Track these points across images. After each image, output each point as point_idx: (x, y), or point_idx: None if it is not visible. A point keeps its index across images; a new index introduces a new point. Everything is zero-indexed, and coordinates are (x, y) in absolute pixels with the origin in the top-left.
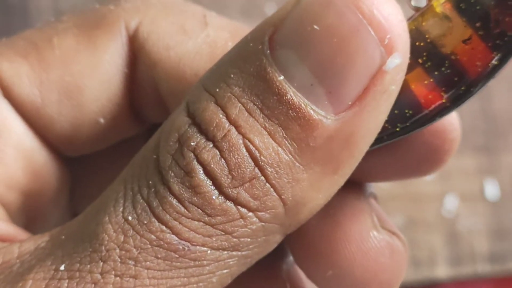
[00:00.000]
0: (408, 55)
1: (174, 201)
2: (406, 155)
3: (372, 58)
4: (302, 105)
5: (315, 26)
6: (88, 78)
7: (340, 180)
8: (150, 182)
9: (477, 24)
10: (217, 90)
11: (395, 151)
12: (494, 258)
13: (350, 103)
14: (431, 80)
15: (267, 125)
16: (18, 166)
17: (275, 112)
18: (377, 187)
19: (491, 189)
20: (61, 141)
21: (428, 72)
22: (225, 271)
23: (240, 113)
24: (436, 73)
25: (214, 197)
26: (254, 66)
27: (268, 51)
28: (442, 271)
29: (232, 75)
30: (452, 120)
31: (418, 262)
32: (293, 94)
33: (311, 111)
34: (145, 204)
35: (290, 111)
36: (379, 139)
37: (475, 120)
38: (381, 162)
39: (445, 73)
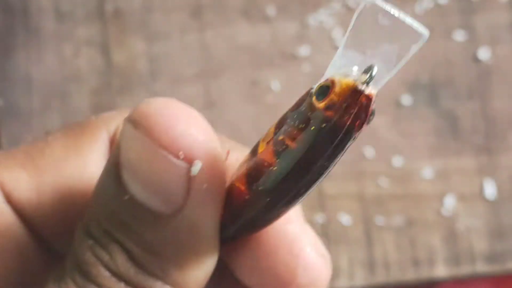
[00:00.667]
0: (211, 156)
1: None
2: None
3: (177, 169)
4: (149, 211)
5: (131, 155)
6: (77, 178)
7: (204, 267)
8: None
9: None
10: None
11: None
12: (493, 257)
13: (181, 202)
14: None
15: (131, 229)
16: (15, 266)
17: (136, 221)
18: (377, 187)
19: (491, 189)
20: (55, 237)
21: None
22: None
23: (114, 225)
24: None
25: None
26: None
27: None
28: (441, 271)
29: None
30: (309, 265)
31: (417, 261)
32: (141, 205)
33: (156, 215)
34: None
35: (143, 217)
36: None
37: (475, 120)
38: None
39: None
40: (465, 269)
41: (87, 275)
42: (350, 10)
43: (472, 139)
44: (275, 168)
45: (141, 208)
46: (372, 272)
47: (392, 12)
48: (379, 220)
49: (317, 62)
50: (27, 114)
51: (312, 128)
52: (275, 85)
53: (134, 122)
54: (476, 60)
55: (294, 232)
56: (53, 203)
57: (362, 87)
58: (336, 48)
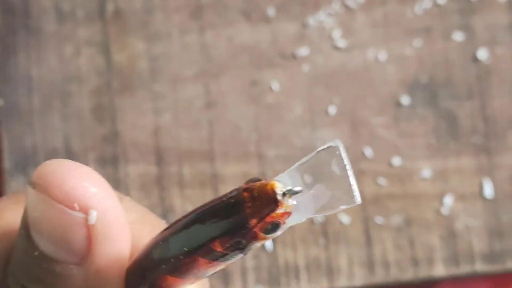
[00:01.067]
0: (106, 204)
1: None
2: None
3: (75, 221)
4: (54, 269)
5: (34, 214)
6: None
7: None
8: None
9: None
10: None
11: None
12: (492, 257)
13: (85, 251)
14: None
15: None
16: None
17: (43, 275)
18: (376, 187)
19: (490, 189)
20: None
21: None
22: None
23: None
24: None
25: None
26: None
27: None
28: (440, 270)
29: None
30: None
31: (416, 261)
32: (49, 258)
33: (61, 270)
34: None
35: (51, 267)
36: None
37: (474, 120)
38: None
39: None
40: (464, 269)
41: None
42: (349, 10)
43: (471, 139)
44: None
45: (51, 261)
46: (371, 272)
47: (345, 165)
48: (379, 219)
49: (317, 62)
50: (27, 114)
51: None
52: (275, 85)
53: (33, 183)
54: (475, 60)
55: None
56: None
57: (278, 195)
58: (336, 48)
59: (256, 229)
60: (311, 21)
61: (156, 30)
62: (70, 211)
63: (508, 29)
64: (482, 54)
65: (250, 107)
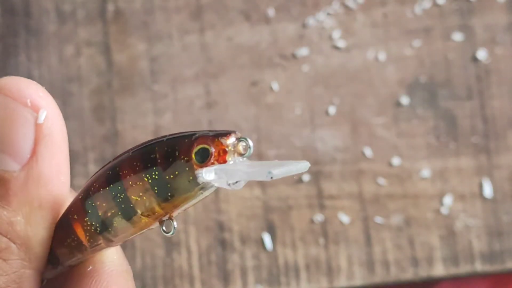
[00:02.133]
0: (54, 108)
1: None
2: None
3: (26, 119)
4: None
5: None
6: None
7: (47, 211)
8: None
9: None
10: None
11: None
12: (491, 257)
13: (29, 155)
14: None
15: None
16: None
17: None
18: (376, 187)
19: (489, 189)
20: None
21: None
22: None
23: None
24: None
25: None
26: None
27: None
28: (440, 270)
29: None
30: None
31: (416, 260)
32: None
33: (3, 173)
34: None
35: None
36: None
37: (473, 120)
38: None
39: None
40: (463, 268)
41: None
42: (349, 11)
43: (470, 139)
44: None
45: None
46: (371, 271)
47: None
48: (378, 219)
49: (317, 62)
50: None
51: None
52: (275, 85)
53: None
54: (474, 60)
55: None
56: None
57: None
58: (335, 48)
59: (193, 147)
60: (311, 21)
61: (156, 30)
62: (21, 107)
63: (507, 30)
64: (482, 54)
65: (250, 107)
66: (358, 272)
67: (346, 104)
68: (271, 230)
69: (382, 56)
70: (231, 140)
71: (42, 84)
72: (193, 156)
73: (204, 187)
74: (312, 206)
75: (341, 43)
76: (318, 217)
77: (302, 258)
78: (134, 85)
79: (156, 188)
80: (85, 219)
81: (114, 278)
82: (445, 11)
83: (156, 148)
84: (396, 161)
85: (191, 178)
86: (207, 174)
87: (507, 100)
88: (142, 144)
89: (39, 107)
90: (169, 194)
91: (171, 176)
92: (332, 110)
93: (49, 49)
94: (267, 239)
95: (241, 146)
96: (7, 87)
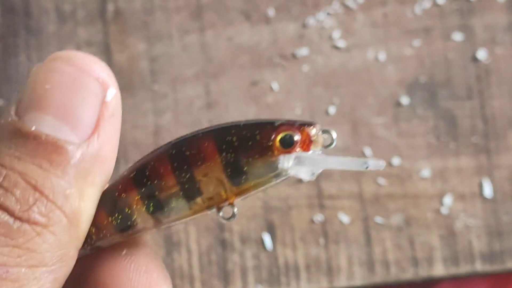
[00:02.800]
0: (117, 89)
1: None
2: None
3: (95, 94)
4: (54, 140)
5: (47, 86)
6: None
7: (98, 189)
8: None
9: None
10: None
11: None
12: (491, 256)
13: (90, 130)
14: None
15: (35, 160)
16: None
17: (39, 151)
18: (376, 187)
19: (489, 189)
20: None
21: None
22: None
23: (11, 161)
24: None
25: (11, 223)
26: (9, 131)
27: (17, 118)
28: (440, 270)
29: None
30: None
31: (416, 260)
32: (45, 136)
33: (61, 143)
34: None
35: (48, 147)
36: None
37: (473, 120)
38: None
39: None
40: (463, 268)
41: None
42: (349, 10)
43: (470, 139)
44: None
45: (46, 141)
46: (371, 271)
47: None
48: (378, 219)
49: (317, 62)
50: None
51: None
52: (275, 85)
53: (50, 59)
54: (474, 60)
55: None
56: None
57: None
58: (335, 48)
59: (277, 134)
60: (311, 21)
61: (156, 30)
62: (92, 82)
63: (507, 30)
64: (482, 54)
65: (250, 107)
66: (358, 272)
67: (346, 104)
68: (271, 230)
69: (382, 56)
70: (316, 130)
71: None
72: (277, 142)
73: (279, 174)
74: (312, 206)
75: (341, 43)
76: (318, 217)
77: (302, 258)
78: (134, 85)
79: (229, 170)
80: (136, 198)
81: (151, 262)
82: (445, 11)
83: (233, 131)
84: (396, 161)
85: (270, 163)
86: (288, 161)
87: (507, 100)
88: (199, 130)
89: (108, 85)
90: (243, 177)
91: (249, 160)
92: (332, 110)
93: (49, 49)
94: (267, 239)
95: (323, 138)
96: (77, 59)
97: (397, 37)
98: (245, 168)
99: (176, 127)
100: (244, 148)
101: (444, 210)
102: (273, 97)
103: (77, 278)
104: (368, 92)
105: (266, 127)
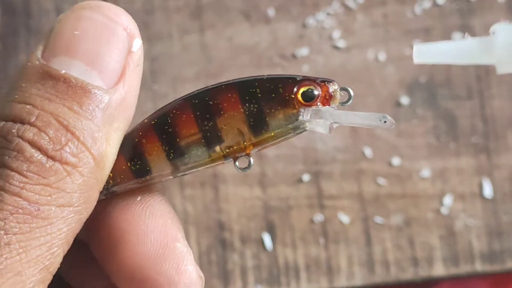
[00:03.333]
0: (141, 39)
1: (16, 175)
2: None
3: (123, 43)
4: (84, 84)
5: (76, 32)
6: None
7: (121, 135)
8: None
9: None
10: (16, 96)
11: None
12: (491, 257)
13: (117, 78)
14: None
15: (65, 102)
16: None
17: (68, 94)
18: (376, 187)
19: (489, 189)
20: None
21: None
22: (68, 227)
23: (42, 102)
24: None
25: (44, 162)
26: (37, 74)
27: (44, 62)
28: (440, 270)
29: (23, 85)
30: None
31: (416, 260)
32: (75, 79)
33: (90, 87)
34: None
35: (77, 90)
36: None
37: (473, 121)
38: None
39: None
40: (463, 268)
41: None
42: (349, 11)
43: (470, 139)
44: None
45: (75, 84)
46: (371, 271)
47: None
48: (378, 219)
49: (317, 62)
50: None
51: None
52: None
53: (79, 7)
54: None
55: (182, 250)
56: None
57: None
58: (335, 48)
59: (299, 88)
60: (311, 21)
61: (156, 30)
62: (121, 30)
63: None
64: None
65: None
66: (358, 272)
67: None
68: (271, 230)
69: (382, 56)
70: (336, 86)
71: None
72: (299, 95)
73: (297, 126)
74: (312, 206)
75: (341, 43)
76: (318, 217)
77: (302, 258)
78: None
79: (252, 120)
80: (157, 144)
81: (165, 208)
82: (445, 11)
83: (256, 84)
84: (396, 161)
85: (291, 115)
86: (307, 114)
87: (507, 100)
88: (222, 83)
89: (135, 36)
90: (264, 128)
91: (272, 110)
92: None
93: None
94: (267, 239)
95: (340, 95)
96: (106, 8)
97: (397, 37)
98: (267, 119)
99: None
100: (267, 99)
101: (444, 210)
102: None
103: (91, 222)
104: (368, 92)
105: (288, 81)
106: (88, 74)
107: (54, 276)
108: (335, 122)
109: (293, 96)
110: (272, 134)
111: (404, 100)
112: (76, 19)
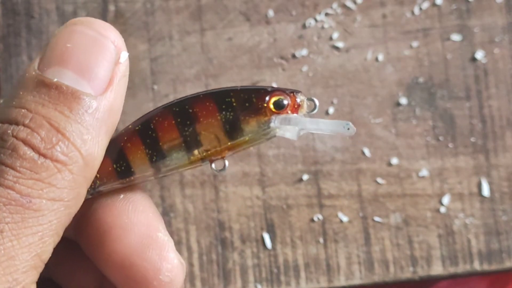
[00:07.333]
0: (127, 52)
1: (10, 171)
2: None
3: (111, 55)
4: (74, 91)
5: (68, 45)
6: None
7: (108, 138)
8: None
9: None
10: (14, 102)
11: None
12: (490, 255)
13: (105, 86)
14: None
15: (57, 107)
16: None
17: (60, 99)
18: (375, 186)
19: (487, 189)
20: None
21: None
22: (58, 219)
23: (36, 106)
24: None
25: (36, 159)
26: (33, 83)
27: (39, 72)
28: (438, 269)
29: (21, 93)
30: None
31: (414, 260)
32: (66, 87)
33: (80, 94)
34: None
35: (68, 96)
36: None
37: (472, 120)
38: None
39: None
40: (462, 267)
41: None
42: (348, 11)
43: (469, 139)
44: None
45: (66, 91)
46: (370, 270)
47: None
48: (377, 218)
49: (316, 63)
50: None
51: None
52: (275, 85)
53: (72, 23)
54: (473, 60)
55: (163, 239)
56: None
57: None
58: (335, 48)
59: (271, 97)
60: (311, 22)
61: (156, 31)
62: (109, 43)
63: (505, 30)
64: (480, 54)
65: None
66: (357, 271)
67: (345, 104)
68: (271, 229)
69: (381, 57)
70: (303, 97)
71: None
72: (271, 104)
73: (268, 133)
74: (312, 206)
75: (340, 44)
76: (318, 217)
77: (301, 257)
78: (135, 86)
79: (228, 126)
80: (141, 148)
81: (147, 204)
82: (444, 12)
83: (232, 94)
84: (395, 160)
85: (263, 122)
86: (278, 121)
87: (505, 101)
88: (199, 93)
89: (121, 49)
90: (239, 133)
91: (246, 118)
92: (331, 110)
93: None
94: (267, 238)
95: (307, 104)
96: (96, 23)
97: (396, 37)
98: (242, 125)
99: None
100: (242, 108)
101: (442, 210)
102: None
103: (80, 219)
104: (367, 92)
105: (261, 92)
106: (79, 82)
107: (45, 279)
108: (302, 129)
109: (265, 105)
110: (246, 139)
111: (403, 100)
112: (69, 33)
